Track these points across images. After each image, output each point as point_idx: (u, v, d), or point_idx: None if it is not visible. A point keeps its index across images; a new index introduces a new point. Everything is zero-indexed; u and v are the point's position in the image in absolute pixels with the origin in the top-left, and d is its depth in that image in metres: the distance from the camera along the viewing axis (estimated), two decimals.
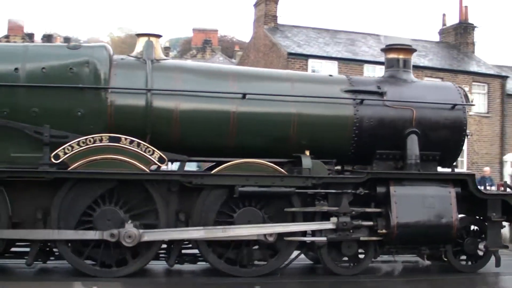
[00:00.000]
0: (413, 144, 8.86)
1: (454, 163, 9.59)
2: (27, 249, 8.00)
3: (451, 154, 9.33)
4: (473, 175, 8.99)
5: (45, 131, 7.69)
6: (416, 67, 22.97)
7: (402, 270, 8.85)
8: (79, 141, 7.68)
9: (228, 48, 56.09)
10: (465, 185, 8.72)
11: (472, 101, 9.69)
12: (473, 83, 25.20)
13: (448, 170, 9.42)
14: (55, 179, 7.64)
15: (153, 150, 7.85)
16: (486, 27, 78.54)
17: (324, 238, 8.26)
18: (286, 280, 8.31)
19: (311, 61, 24.01)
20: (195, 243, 8.09)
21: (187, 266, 8.70)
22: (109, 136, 7.77)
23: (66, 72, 7.91)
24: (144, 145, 7.84)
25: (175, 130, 8.19)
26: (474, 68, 26.09)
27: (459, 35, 28.20)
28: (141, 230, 7.72)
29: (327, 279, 8.40)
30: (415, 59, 26.41)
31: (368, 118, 8.83)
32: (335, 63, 24.13)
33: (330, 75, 9.83)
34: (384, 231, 8.32)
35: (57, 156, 7.64)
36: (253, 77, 8.95)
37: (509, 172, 9.68)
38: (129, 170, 7.73)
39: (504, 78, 25.94)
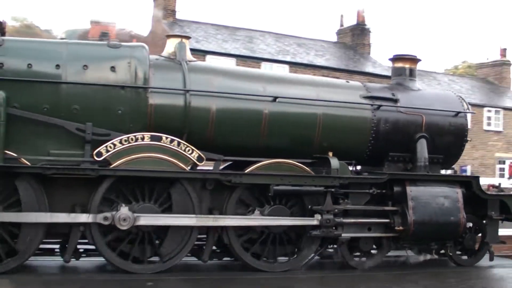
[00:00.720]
0: (422, 148, 9.43)
1: (453, 166, 10.30)
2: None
3: (452, 158, 10.00)
4: (478, 177, 9.67)
5: (88, 128, 7.64)
6: (313, 66, 24.01)
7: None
8: (121, 139, 7.69)
9: (126, 41, 55.10)
10: (469, 186, 9.39)
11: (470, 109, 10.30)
12: (368, 84, 26.40)
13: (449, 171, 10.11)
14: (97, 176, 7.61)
15: (192, 149, 7.96)
16: (382, 29, 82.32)
17: (348, 235, 8.67)
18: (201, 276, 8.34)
19: (209, 57, 23.90)
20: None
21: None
22: (150, 135, 7.82)
23: (107, 70, 7.88)
24: (184, 144, 7.94)
25: (210, 129, 8.33)
26: (369, 69, 26.28)
27: (356, 36, 28.41)
28: (135, 214, 7.60)
29: (245, 275, 8.35)
30: (311, 58, 27.33)
31: (384, 122, 9.33)
32: (233, 60, 24.16)
33: (347, 81, 10.21)
34: (401, 228, 8.84)
35: (99, 154, 7.61)
36: (282, 81, 9.21)
37: None
38: (172, 169, 7.81)
39: None
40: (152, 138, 7.82)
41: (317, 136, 8.93)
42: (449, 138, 9.78)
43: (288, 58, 25.42)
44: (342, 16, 30.44)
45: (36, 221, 7.37)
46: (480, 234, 9.92)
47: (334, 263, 9.21)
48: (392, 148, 9.42)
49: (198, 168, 8.17)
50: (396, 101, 9.49)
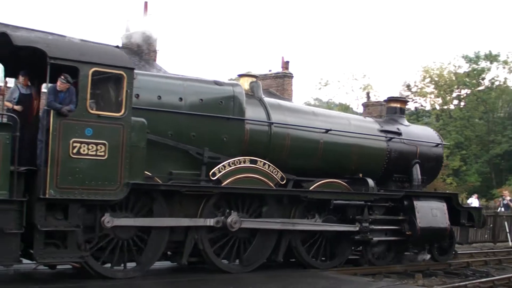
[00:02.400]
0: (417, 171, 11.96)
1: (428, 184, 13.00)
2: None
3: (431, 177, 12.72)
4: (456, 194, 12.43)
5: (205, 152, 8.92)
6: None
7: None
8: (229, 162, 9.13)
9: None
10: (449, 201, 12.08)
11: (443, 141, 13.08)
12: None
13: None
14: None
15: (277, 171, 9.60)
16: (169, 35, 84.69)
17: (377, 238, 10.81)
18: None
19: None
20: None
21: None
22: (250, 159, 9.33)
23: (217, 104, 9.24)
24: (272, 166, 9.53)
25: (285, 154, 10.02)
26: None
27: (142, 42, 25.75)
28: (241, 219, 9.18)
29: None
30: None
31: (394, 151, 11.71)
32: None
33: (365, 117, 12.40)
34: (409, 232, 11.20)
35: (214, 174, 8.96)
36: (329, 116, 11.28)
37: None
38: (263, 187, 9.36)
39: None
40: (251, 161, 9.33)
41: (351, 160, 11.01)
42: (432, 163, 12.46)
43: None
44: (128, 21, 27.86)
45: (167, 225, 8.53)
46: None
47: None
48: (396, 171, 11.84)
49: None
50: (400, 134, 11.91)
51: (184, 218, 8.74)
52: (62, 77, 7.60)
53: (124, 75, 7.99)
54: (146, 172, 8.33)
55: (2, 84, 9.12)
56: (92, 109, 7.75)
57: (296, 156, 10.19)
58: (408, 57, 77.51)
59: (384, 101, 13.15)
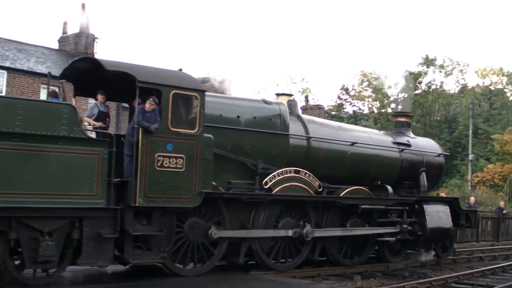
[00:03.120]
0: (424, 179, 13.30)
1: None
2: None
3: (434, 184, 14.10)
4: (457, 198, 13.84)
5: (259, 164, 9.95)
6: (33, 74, 22.40)
7: None
8: (278, 172, 10.18)
9: None
10: (452, 204, 13.46)
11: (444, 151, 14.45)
12: None
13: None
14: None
15: (316, 179, 10.69)
16: (107, 38, 76.56)
17: (394, 238, 12.04)
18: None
19: None
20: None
21: None
22: (294, 169, 10.40)
23: (267, 121, 10.29)
24: (311, 175, 10.62)
25: (320, 165, 11.12)
26: None
27: (80, 45, 26.61)
28: (313, 229, 10.41)
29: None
30: (32, 65, 23.55)
31: (405, 160, 13.01)
32: None
33: (379, 130, 13.64)
34: (420, 232, 12.49)
35: (266, 183, 9.98)
36: (352, 130, 12.48)
37: None
38: (303, 194, 10.47)
39: None
40: (295, 171, 10.39)
41: (371, 170, 12.24)
42: (435, 171, 13.84)
43: (7, 64, 22.75)
44: (65, 23, 27.88)
45: (259, 236, 9.65)
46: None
47: None
48: (406, 178, 13.15)
49: None
50: (410, 145, 13.22)
51: (235, 228, 9.74)
52: (151, 99, 8.48)
53: (198, 96, 8.95)
54: (212, 182, 9.31)
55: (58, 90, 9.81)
56: (172, 127, 8.67)
57: (329, 166, 11.34)
58: (346, 61, 78.38)
59: (392, 115, 14.47)
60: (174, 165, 8.63)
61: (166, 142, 8.58)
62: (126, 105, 10.21)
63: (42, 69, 23.14)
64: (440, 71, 47.47)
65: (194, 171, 8.82)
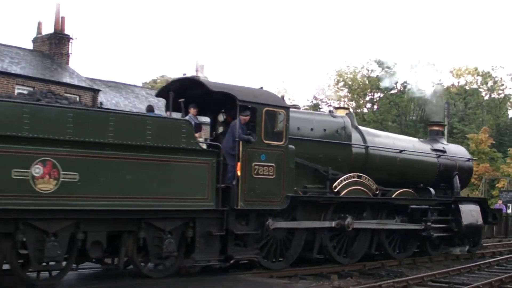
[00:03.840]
0: (457, 181, 14.59)
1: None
2: None
3: (464, 186, 15.38)
4: (486, 198, 15.12)
5: (330, 170, 11.12)
6: (8, 75, 22.08)
7: None
8: (344, 177, 11.34)
9: None
10: (481, 203, 14.73)
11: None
12: (65, 94, 22.51)
13: None
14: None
15: (373, 183, 11.88)
16: (83, 39, 78.04)
17: (436, 234, 13.27)
18: None
19: None
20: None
21: None
22: (357, 174, 11.56)
23: (335, 132, 11.47)
24: (370, 180, 11.79)
25: (376, 170, 12.30)
26: (67, 79, 24.30)
27: (54, 45, 25.98)
28: (353, 221, 11.46)
29: None
30: (6, 65, 23.03)
31: (441, 165, 14.29)
32: None
33: (420, 139, 14.90)
34: (457, 229, 13.74)
35: (335, 187, 11.13)
36: (398, 139, 13.79)
37: None
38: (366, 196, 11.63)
39: (96, 91, 24.88)
40: (357, 176, 11.56)
41: (415, 174, 13.46)
42: (466, 174, 15.13)
43: None
44: (40, 23, 27.01)
45: (310, 226, 10.73)
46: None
47: None
48: (442, 181, 14.41)
49: None
50: (445, 152, 14.46)
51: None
52: (246, 114, 9.57)
53: (284, 112, 10.07)
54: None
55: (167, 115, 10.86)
56: (265, 139, 9.77)
57: (382, 171, 12.55)
58: (322, 61, 76.82)
59: (427, 124, 15.71)
60: (267, 173, 9.74)
61: (260, 152, 9.70)
62: (205, 118, 11.26)
63: (16, 69, 22.92)
64: (416, 71, 47.92)
65: (282, 177, 9.94)
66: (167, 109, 10.85)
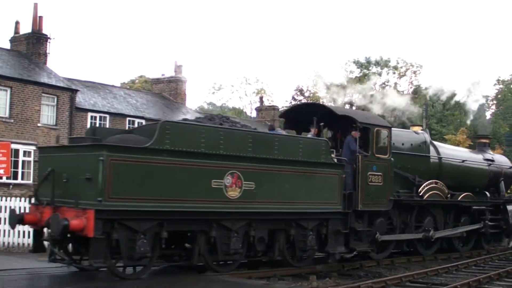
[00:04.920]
0: (503, 186, 16.69)
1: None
2: None
3: (506, 190, 17.43)
4: None
5: (416, 178, 13.12)
6: None
7: None
8: (426, 183, 13.34)
9: None
10: None
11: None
12: (43, 94, 23.06)
13: None
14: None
15: (446, 188, 13.85)
16: (60, 39, 76.32)
17: (492, 230, 15.28)
18: None
19: None
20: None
21: None
22: (435, 181, 13.54)
23: (418, 146, 13.55)
24: (443, 185, 13.77)
25: (445, 177, 14.34)
26: (44, 79, 23.69)
27: (32, 45, 25.28)
28: (435, 232, 13.53)
29: None
30: None
31: (491, 172, 16.39)
32: None
33: (471, 150, 16.94)
34: (505, 227, 15.78)
35: (420, 191, 13.07)
36: (459, 150, 16.14)
37: None
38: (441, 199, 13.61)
39: (74, 91, 24.43)
40: (435, 182, 13.54)
41: (473, 180, 15.49)
42: (509, 180, 17.24)
43: None
44: (17, 22, 26.24)
45: (409, 238, 12.70)
46: None
47: None
48: (491, 186, 16.48)
49: None
50: (493, 161, 16.51)
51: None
52: (358, 132, 11.48)
53: (388, 130, 12.01)
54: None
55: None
56: (376, 154, 11.68)
57: (450, 178, 14.56)
58: (300, 62, 74.01)
59: (475, 137, 17.80)
60: (377, 181, 11.68)
61: (372, 164, 11.64)
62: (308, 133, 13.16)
63: None
64: (394, 72, 47.64)
65: (387, 184, 11.89)
66: (285, 128, 12.76)
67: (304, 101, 49.94)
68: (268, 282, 9.63)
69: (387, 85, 46.44)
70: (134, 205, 8.38)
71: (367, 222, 11.72)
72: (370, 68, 47.14)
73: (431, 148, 14.18)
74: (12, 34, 26.27)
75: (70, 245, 9.18)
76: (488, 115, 47.11)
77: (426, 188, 13.31)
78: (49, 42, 25.74)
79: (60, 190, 8.62)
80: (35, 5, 25.39)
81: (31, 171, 21.85)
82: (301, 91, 50.60)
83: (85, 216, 8.02)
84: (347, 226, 11.20)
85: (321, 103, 12.12)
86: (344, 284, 9.84)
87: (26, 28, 25.97)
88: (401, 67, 47.97)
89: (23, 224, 9.31)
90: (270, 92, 54.57)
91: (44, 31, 25.64)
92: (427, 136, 14.06)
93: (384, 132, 11.99)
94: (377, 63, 47.28)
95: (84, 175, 8.14)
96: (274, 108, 40.77)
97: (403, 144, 13.21)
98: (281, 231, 10.43)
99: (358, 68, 47.93)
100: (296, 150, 10.32)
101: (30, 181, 21.62)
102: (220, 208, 9.27)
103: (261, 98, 45.78)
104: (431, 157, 13.97)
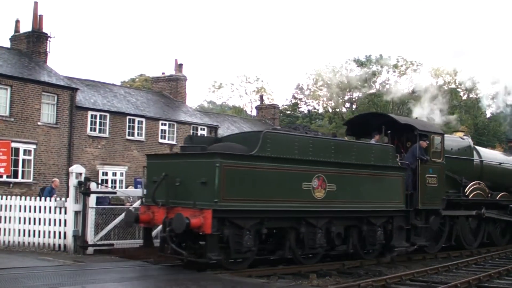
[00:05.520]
0: None
1: None
2: None
3: None
4: None
5: (463, 179, 14.25)
6: None
7: None
8: (471, 184, 14.52)
9: None
10: None
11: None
12: (43, 93, 23.05)
13: None
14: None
15: (487, 188, 14.99)
16: (61, 37, 75.65)
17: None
18: None
19: None
20: None
21: None
22: (477, 182, 14.85)
23: (464, 150, 14.59)
24: (485, 185, 14.92)
25: (485, 178, 15.51)
26: (45, 78, 23.62)
27: (32, 44, 25.10)
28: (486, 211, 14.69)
29: None
30: None
31: None
32: None
33: (503, 153, 18.15)
34: None
35: (466, 191, 14.21)
36: (494, 153, 17.38)
37: (74, 183, 11.88)
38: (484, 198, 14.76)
39: (74, 90, 24.46)
40: (478, 183, 14.76)
41: (507, 180, 16.67)
42: None
43: None
44: (18, 21, 26.04)
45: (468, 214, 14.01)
46: None
47: None
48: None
49: None
50: None
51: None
52: (426, 140, 12.59)
53: (441, 137, 13.15)
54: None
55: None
56: (432, 158, 12.81)
57: (489, 179, 15.73)
58: (301, 60, 75.94)
59: (507, 141, 19.01)
60: (433, 182, 12.85)
61: (429, 167, 12.80)
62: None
63: None
64: (394, 71, 47.24)
65: (440, 185, 13.04)
66: (346, 134, 13.91)
67: (304, 99, 50.90)
68: (268, 281, 9.67)
69: (387, 84, 46.68)
70: (242, 205, 9.55)
71: (424, 219, 12.87)
72: (370, 66, 46.70)
73: (474, 152, 15.36)
74: (12, 33, 26.24)
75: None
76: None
77: (471, 188, 14.49)
78: (49, 41, 25.71)
79: (172, 192, 9.73)
80: (35, 4, 25.49)
81: (31, 169, 22.05)
82: (301, 89, 50.64)
83: (203, 215, 9.14)
84: (408, 222, 12.36)
85: (384, 112, 13.08)
86: (344, 282, 9.79)
87: (26, 26, 25.91)
88: (401, 66, 47.80)
89: (138, 223, 10.39)
90: (270, 90, 54.77)
91: (44, 30, 25.60)
92: (470, 141, 15.29)
93: (438, 138, 13.15)
94: (377, 61, 46.84)
95: (200, 179, 9.27)
96: (274, 106, 40.99)
97: (451, 148, 14.36)
98: (355, 227, 11.57)
99: (358, 66, 47.53)
100: (369, 155, 11.46)
101: (30, 180, 21.89)
102: (309, 207, 10.42)
103: (261, 96, 46.09)
104: (474, 160, 15.16)
